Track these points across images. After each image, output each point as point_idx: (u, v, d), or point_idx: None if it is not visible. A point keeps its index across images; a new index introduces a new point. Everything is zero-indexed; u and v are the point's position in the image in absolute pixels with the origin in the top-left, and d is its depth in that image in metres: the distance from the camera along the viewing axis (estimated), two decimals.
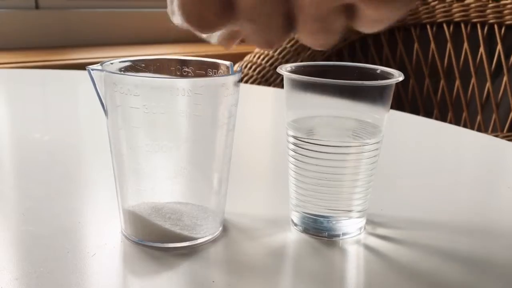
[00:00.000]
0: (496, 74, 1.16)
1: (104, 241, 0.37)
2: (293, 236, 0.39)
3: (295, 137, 0.37)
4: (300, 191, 0.38)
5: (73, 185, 0.47)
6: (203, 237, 0.37)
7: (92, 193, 0.47)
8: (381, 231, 0.39)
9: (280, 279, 0.34)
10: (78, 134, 0.66)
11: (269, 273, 0.34)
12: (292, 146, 0.38)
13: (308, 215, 0.38)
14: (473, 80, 1.18)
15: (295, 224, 0.39)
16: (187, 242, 0.36)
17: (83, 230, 0.39)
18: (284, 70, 0.37)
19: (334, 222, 0.38)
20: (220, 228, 0.38)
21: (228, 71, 0.38)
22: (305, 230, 0.38)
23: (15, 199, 0.45)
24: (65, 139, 0.62)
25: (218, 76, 0.38)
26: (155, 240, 0.36)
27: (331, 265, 0.35)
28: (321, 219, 0.38)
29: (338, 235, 0.38)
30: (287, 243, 0.38)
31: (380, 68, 0.39)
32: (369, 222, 0.40)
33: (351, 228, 0.38)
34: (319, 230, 0.38)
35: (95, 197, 0.46)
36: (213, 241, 0.37)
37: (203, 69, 0.39)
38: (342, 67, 0.40)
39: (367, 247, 0.37)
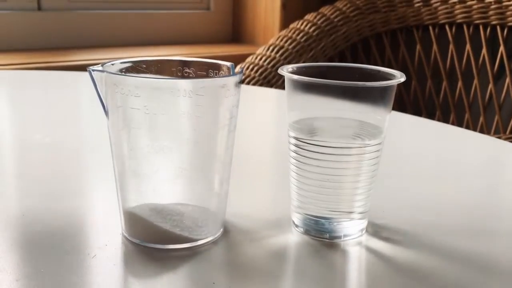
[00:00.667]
0: (499, 76, 1.16)
1: (105, 242, 0.37)
2: (294, 237, 0.38)
3: (296, 138, 0.37)
4: (302, 192, 0.38)
5: (73, 186, 0.47)
6: (204, 239, 0.36)
7: (93, 194, 0.47)
8: (382, 232, 0.39)
9: (281, 281, 0.34)
10: (79, 135, 0.66)
11: (270, 275, 0.34)
12: (293, 147, 0.38)
13: (310, 217, 0.38)
14: (475, 81, 1.18)
15: (297, 226, 0.39)
16: (188, 244, 0.36)
17: (83, 231, 0.39)
18: (286, 71, 0.37)
19: (335, 223, 0.38)
20: (221, 230, 0.38)
21: (229, 72, 0.38)
22: (307, 232, 0.38)
23: (16, 199, 0.45)
24: (66, 140, 0.61)
25: (219, 77, 0.38)
26: (155, 242, 0.36)
27: (333, 267, 0.35)
28: (323, 220, 0.38)
29: (339, 237, 0.38)
30: (288, 244, 0.38)
31: (381, 69, 0.38)
32: (371, 223, 0.40)
33: (352, 229, 0.38)
34: (320, 231, 0.38)
35: (95, 198, 0.46)
36: (214, 242, 0.37)
37: (204, 70, 0.39)
38: (343, 68, 0.40)
39: (369, 249, 0.37)
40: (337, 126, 0.38)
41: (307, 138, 0.37)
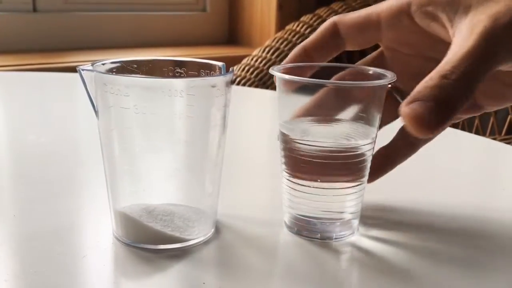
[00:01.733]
0: None
1: (95, 243, 0.36)
2: (286, 237, 0.38)
3: (287, 138, 0.37)
4: (293, 192, 0.38)
5: (64, 187, 0.47)
6: (195, 239, 0.36)
7: (84, 194, 0.47)
8: (374, 233, 0.39)
9: (272, 281, 0.34)
10: (73, 136, 0.65)
11: (261, 275, 0.34)
12: (284, 147, 0.38)
13: (301, 217, 0.38)
14: None
15: (288, 226, 0.39)
16: (179, 244, 0.36)
17: (74, 232, 0.39)
18: (276, 70, 0.37)
19: (327, 224, 0.38)
20: (213, 230, 0.38)
21: (221, 72, 0.37)
22: (298, 232, 0.38)
23: (7, 200, 0.45)
24: (60, 141, 0.61)
25: (209, 76, 0.37)
26: (146, 242, 0.36)
27: (324, 267, 0.35)
28: (314, 220, 0.38)
29: (331, 237, 0.38)
30: (280, 244, 0.38)
31: (372, 69, 0.38)
32: (363, 224, 0.40)
33: (344, 230, 0.38)
34: (312, 231, 0.38)
35: (87, 199, 0.46)
36: (205, 242, 0.37)
37: (196, 70, 0.38)
38: (335, 68, 0.39)
39: (360, 249, 0.37)
40: (328, 126, 0.38)
41: (298, 138, 0.37)
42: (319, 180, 0.36)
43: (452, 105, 0.31)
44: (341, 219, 0.38)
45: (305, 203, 0.37)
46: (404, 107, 0.31)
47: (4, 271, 0.33)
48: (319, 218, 0.38)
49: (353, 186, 0.37)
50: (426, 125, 0.31)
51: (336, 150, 0.36)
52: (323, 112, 0.38)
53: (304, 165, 0.37)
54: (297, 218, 0.38)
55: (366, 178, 0.38)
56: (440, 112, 0.31)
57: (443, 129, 0.31)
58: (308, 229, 0.38)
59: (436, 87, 0.31)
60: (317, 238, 0.38)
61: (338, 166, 0.37)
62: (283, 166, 0.38)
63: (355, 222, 0.39)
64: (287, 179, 0.38)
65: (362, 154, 0.37)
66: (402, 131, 0.41)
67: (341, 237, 0.38)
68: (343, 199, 0.37)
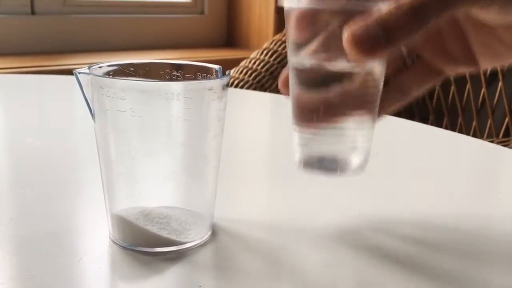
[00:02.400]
0: (491, 80, 1.16)
1: (92, 246, 0.36)
2: (282, 240, 0.38)
3: (298, 64, 0.35)
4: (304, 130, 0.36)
5: (61, 190, 0.47)
6: (191, 242, 0.36)
7: (81, 197, 0.47)
8: (373, 238, 0.39)
9: (269, 284, 0.34)
10: (70, 139, 0.65)
11: (258, 278, 0.34)
12: (294, 75, 0.36)
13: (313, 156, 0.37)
14: (468, 85, 1.18)
15: (300, 163, 0.37)
16: (175, 247, 0.36)
17: (70, 235, 0.39)
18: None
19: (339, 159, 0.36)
20: (209, 233, 0.38)
21: (217, 75, 0.38)
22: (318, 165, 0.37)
23: (4, 203, 0.45)
24: (57, 144, 0.61)
25: (205, 79, 0.38)
26: (142, 245, 0.36)
27: (321, 270, 0.35)
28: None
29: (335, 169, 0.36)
30: (276, 247, 0.38)
31: None
32: (360, 228, 0.40)
33: (352, 163, 0.37)
34: (326, 168, 0.37)
35: (83, 202, 0.46)
36: (202, 245, 0.37)
37: (193, 73, 0.38)
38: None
39: (359, 255, 0.37)
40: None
41: (310, 61, 0.34)
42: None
43: (392, 33, 0.30)
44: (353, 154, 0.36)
45: (317, 140, 0.36)
46: (347, 27, 0.30)
47: (1, 274, 0.33)
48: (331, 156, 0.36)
49: (366, 120, 0.36)
50: (358, 46, 0.30)
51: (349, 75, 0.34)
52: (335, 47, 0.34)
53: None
54: (309, 156, 0.37)
55: (377, 109, 0.36)
56: (377, 37, 0.30)
57: (380, 56, 0.30)
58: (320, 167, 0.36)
59: (385, 13, 0.30)
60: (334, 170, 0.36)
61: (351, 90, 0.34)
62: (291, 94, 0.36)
63: (366, 156, 0.37)
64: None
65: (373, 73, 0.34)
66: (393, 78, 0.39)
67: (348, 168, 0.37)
68: (355, 134, 0.36)
